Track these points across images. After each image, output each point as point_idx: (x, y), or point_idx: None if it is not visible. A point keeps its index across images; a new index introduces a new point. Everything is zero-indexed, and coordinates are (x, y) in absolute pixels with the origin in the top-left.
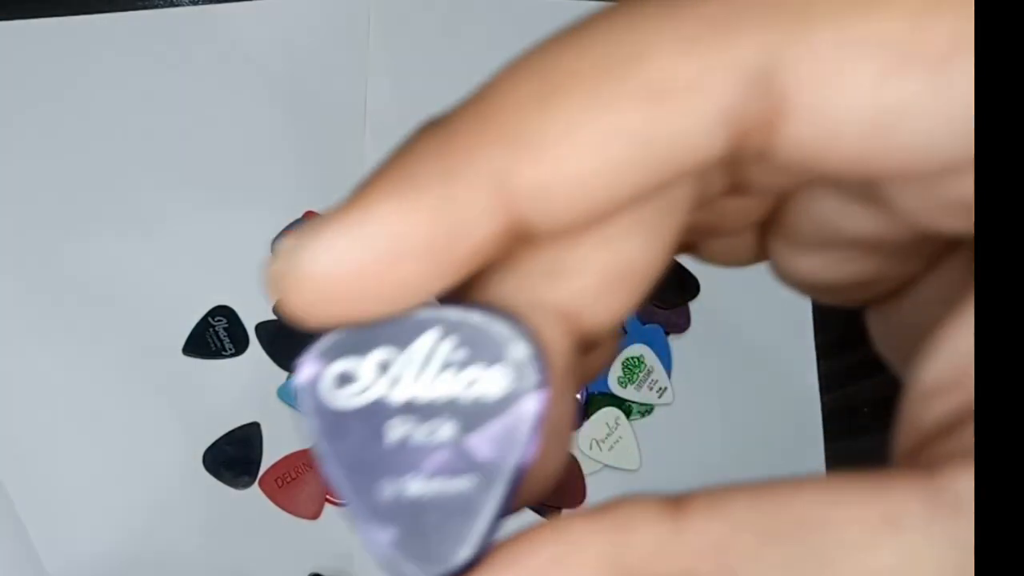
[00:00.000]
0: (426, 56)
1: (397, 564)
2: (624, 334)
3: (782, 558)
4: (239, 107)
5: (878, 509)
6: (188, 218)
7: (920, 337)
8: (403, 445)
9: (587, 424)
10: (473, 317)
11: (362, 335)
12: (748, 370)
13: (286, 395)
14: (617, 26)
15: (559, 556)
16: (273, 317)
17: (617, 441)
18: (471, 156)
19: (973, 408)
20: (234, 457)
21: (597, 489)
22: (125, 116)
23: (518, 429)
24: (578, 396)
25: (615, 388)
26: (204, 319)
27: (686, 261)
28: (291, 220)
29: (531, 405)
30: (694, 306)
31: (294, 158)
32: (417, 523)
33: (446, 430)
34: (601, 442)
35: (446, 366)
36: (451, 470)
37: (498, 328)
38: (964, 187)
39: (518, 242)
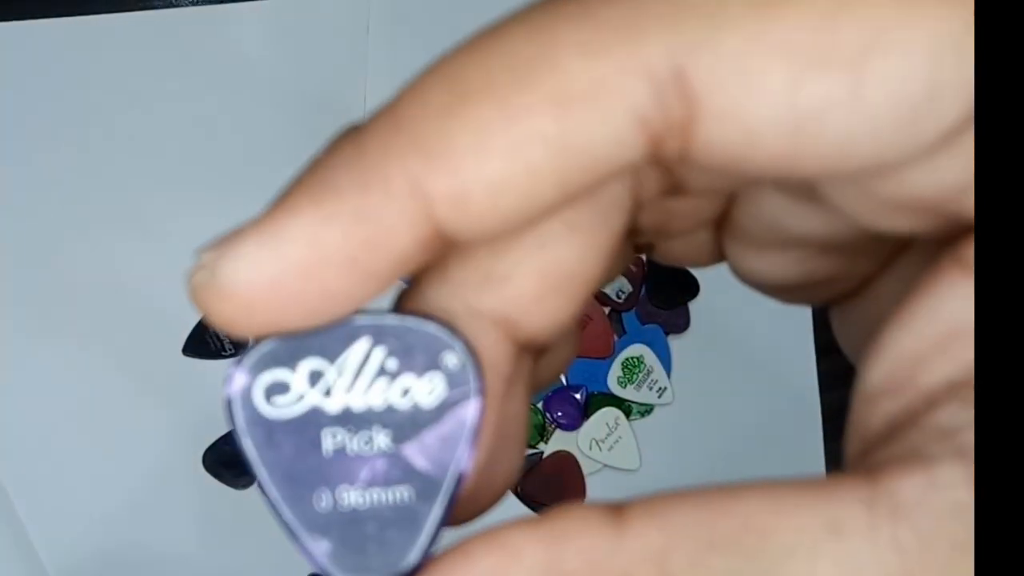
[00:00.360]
0: (426, 57)
1: None
2: (624, 334)
3: (722, 567)
4: (239, 108)
5: (820, 516)
6: (187, 218)
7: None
8: (338, 455)
9: (587, 424)
10: (406, 325)
11: (293, 344)
12: (748, 370)
13: None
14: (526, 30)
15: (497, 567)
16: None
17: (617, 441)
18: (385, 165)
19: (914, 410)
20: (234, 457)
21: (597, 489)
22: (124, 116)
23: (454, 438)
24: (577, 396)
25: (615, 388)
26: (203, 319)
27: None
28: None
29: (467, 413)
30: (693, 307)
31: (294, 159)
32: (354, 534)
33: (382, 439)
34: (601, 442)
35: (379, 374)
36: (387, 480)
37: (431, 336)
38: (895, 187)
39: (447, 249)
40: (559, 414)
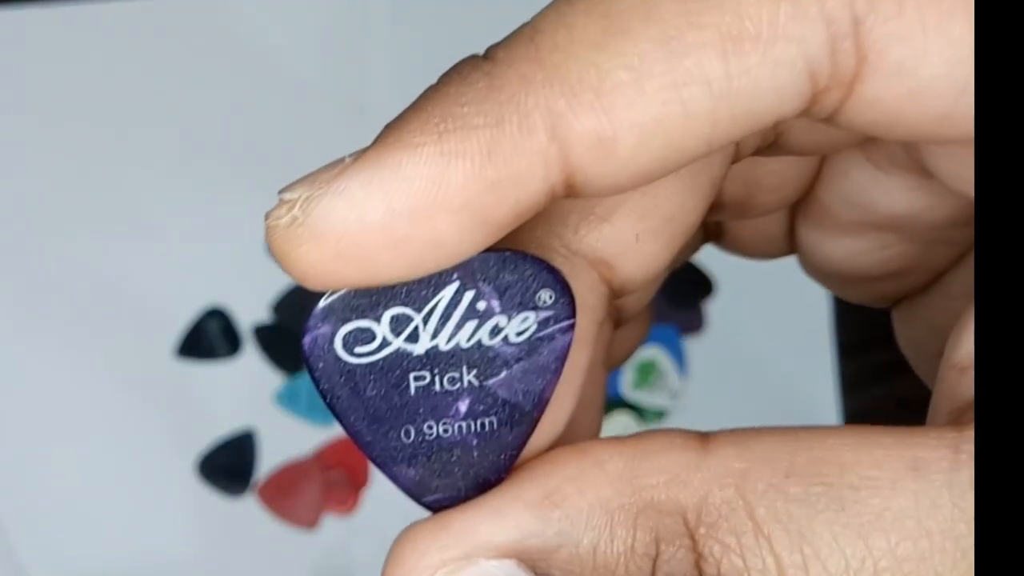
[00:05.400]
0: (426, 47)
1: (422, 494)
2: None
3: (799, 493)
4: (235, 99)
5: (902, 454)
6: (181, 213)
7: (946, 336)
8: (424, 393)
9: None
10: (501, 259)
11: (375, 292)
12: (763, 373)
13: (283, 399)
14: None
15: (579, 472)
16: (269, 319)
17: None
18: (524, 99)
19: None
20: (229, 464)
21: None
22: (115, 107)
23: (543, 371)
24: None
25: (628, 392)
26: (198, 320)
27: (699, 262)
28: None
29: (556, 348)
30: (710, 308)
31: (292, 152)
32: (439, 461)
33: (468, 377)
34: None
35: (468, 317)
36: (473, 414)
37: (526, 271)
38: None
39: (567, 196)
40: None
